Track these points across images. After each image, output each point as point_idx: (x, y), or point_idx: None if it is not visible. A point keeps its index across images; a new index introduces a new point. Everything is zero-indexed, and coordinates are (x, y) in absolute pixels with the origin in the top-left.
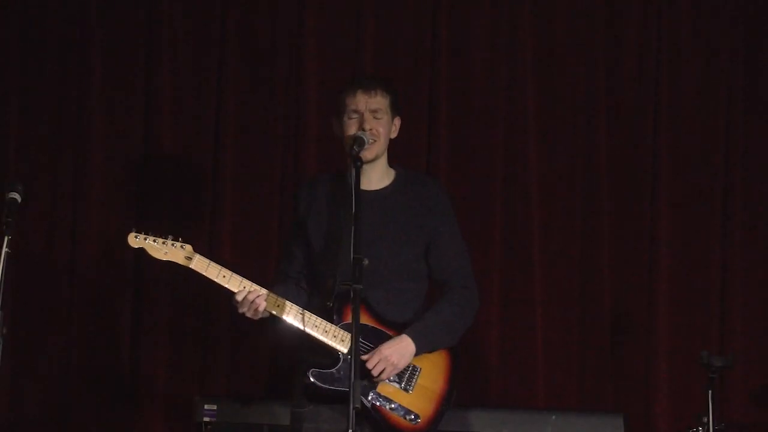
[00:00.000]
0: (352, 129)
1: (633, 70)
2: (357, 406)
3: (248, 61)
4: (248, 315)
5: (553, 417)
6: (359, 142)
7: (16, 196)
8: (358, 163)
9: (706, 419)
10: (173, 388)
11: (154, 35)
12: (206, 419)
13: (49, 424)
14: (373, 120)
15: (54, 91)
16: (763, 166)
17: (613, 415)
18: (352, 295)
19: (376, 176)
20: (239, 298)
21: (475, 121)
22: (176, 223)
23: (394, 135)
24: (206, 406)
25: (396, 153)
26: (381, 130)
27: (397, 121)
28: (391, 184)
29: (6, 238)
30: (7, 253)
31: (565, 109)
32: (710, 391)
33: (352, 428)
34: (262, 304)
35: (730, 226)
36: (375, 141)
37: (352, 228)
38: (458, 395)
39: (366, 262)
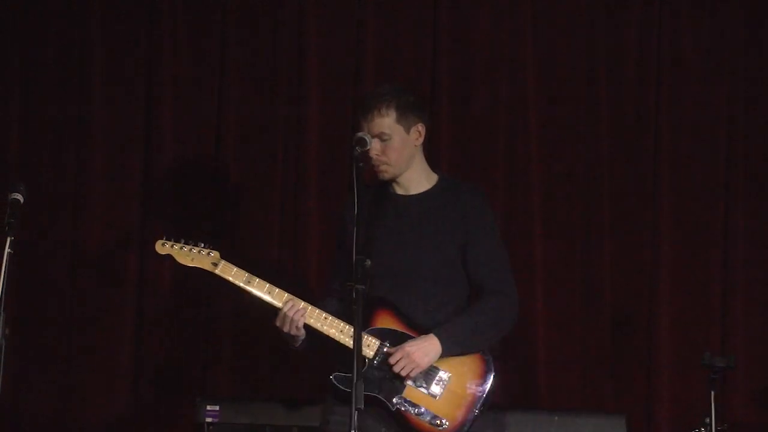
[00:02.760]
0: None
1: (633, 73)
2: (360, 406)
3: (249, 61)
4: (291, 331)
5: (555, 418)
6: (361, 142)
7: (19, 196)
8: (360, 165)
9: (708, 420)
10: (175, 388)
11: (154, 35)
12: (208, 420)
13: (51, 423)
14: (380, 144)
15: (55, 93)
16: (764, 166)
17: (615, 415)
18: (354, 296)
19: (414, 181)
20: (286, 310)
21: (475, 123)
22: (178, 225)
23: (419, 142)
24: (208, 407)
25: None
26: (390, 152)
27: (420, 127)
28: (428, 190)
29: (9, 239)
30: (9, 253)
31: (566, 111)
32: (712, 392)
33: (354, 429)
34: (300, 311)
35: (731, 227)
36: (385, 164)
37: (354, 229)
38: (492, 402)
39: (368, 262)
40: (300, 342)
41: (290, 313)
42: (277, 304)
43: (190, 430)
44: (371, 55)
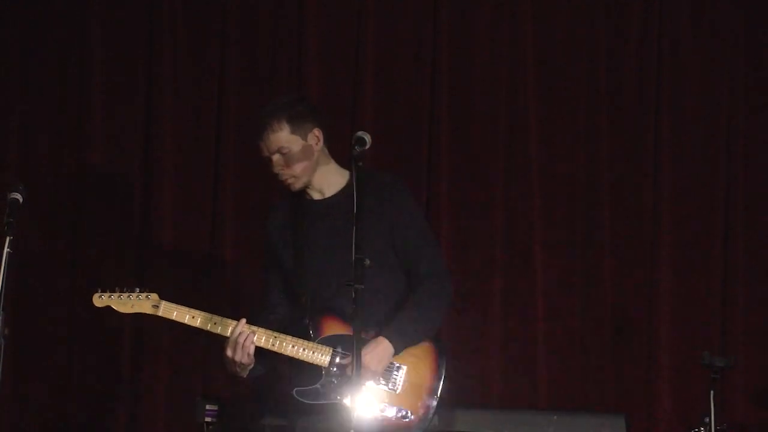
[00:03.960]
0: (272, 172)
1: (633, 74)
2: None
3: (249, 63)
4: (242, 360)
5: (555, 417)
6: (360, 142)
7: (18, 196)
8: (359, 164)
9: (707, 419)
10: (175, 388)
11: (154, 37)
12: (208, 419)
13: (52, 423)
14: (281, 158)
15: (54, 96)
16: (765, 172)
17: (614, 415)
18: (353, 296)
19: (326, 184)
20: (230, 351)
21: (476, 124)
22: (177, 228)
23: (319, 146)
24: (208, 407)
25: (396, 155)
26: (293, 164)
27: (317, 132)
28: (344, 188)
29: (7, 239)
30: (8, 253)
31: (567, 112)
32: (712, 392)
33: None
34: (250, 338)
35: (731, 227)
36: (293, 176)
37: (354, 228)
38: (449, 387)
39: (368, 262)
40: (248, 371)
41: (240, 340)
42: (225, 334)
43: (190, 430)
44: (371, 56)
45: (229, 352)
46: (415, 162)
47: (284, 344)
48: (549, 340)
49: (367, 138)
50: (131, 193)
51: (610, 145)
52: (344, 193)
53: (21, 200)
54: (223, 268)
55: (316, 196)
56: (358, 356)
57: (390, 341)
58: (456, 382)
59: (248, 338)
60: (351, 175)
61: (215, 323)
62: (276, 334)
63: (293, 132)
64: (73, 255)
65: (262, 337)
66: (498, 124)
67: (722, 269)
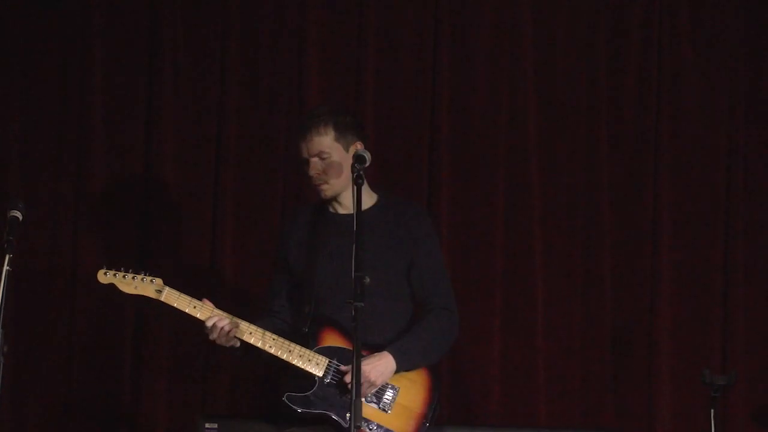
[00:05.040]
0: (307, 174)
1: (633, 87)
2: (358, 424)
3: (249, 77)
4: (219, 342)
5: None
6: (360, 159)
7: (18, 214)
8: (360, 182)
9: None
10: (175, 406)
11: (155, 54)
12: None
13: None
14: (319, 162)
15: (55, 111)
16: (764, 189)
17: None
18: (353, 313)
19: (352, 201)
20: (208, 324)
21: (476, 139)
22: (178, 242)
23: None
24: (207, 425)
25: (396, 169)
26: (330, 171)
27: (359, 146)
28: (370, 208)
29: (7, 257)
30: (8, 271)
31: (567, 126)
32: (712, 410)
33: None
34: (233, 331)
35: (732, 244)
36: (326, 183)
37: (354, 246)
38: (439, 414)
39: (367, 280)
40: (239, 350)
41: (219, 324)
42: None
43: None
44: (371, 65)
45: (211, 336)
46: (415, 175)
47: (280, 348)
48: (549, 357)
49: (367, 156)
50: (132, 213)
51: (611, 164)
52: (370, 212)
53: (21, 218)
54: (224, 273)
55: (340, 210)
56: (358, 375)
57: (393, 357)
58: (453, 399)
59: (227, 324)
60: (379, 198)
61: (220, 318)
62: (274, 336)
63: (337, 140)
64: (74, 274)
65: (260, 338)
66: (498, 141)
67: (722, 286)
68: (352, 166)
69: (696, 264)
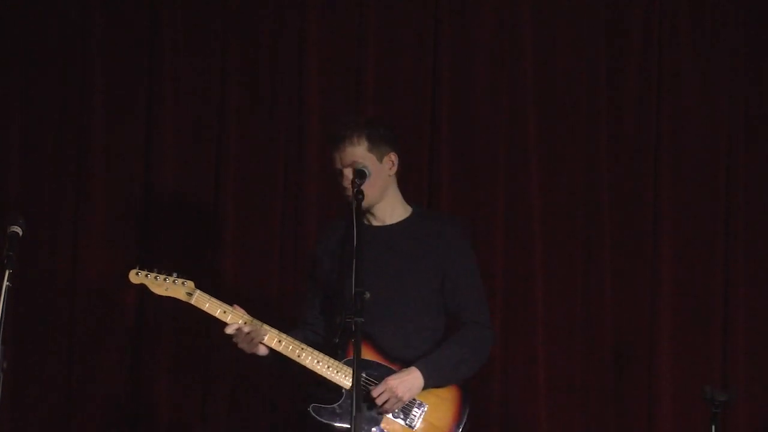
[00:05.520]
0: (341, 185)
1: (633, 87)
2: None
3: (249, 77)
4: (243, 347)
5: None
6: (360, 174)
7: (18, 229)
8: (360, 197)
9: None
10: (174, 422)
11: (155, 54)
12: None
13: None
14: (352, 173)
15: (55, 111)
16: (765, 204)
17: None
18: (353, 329)
19: (388, 212)
20: (228, 330)
21: (476, 151)
22: (177, 258)
23: (392, 171)
24: None
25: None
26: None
27: (393, 157)
28: (405, 220)
29: (7, 272)
30: (8, 287)
31: (567, 126)
32: (713, 426)
33: None
34: (256, 337)
35: (731, 261)
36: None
37: (354, 261)
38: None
39: (367, 295)
40: (267, 358)
41: (243, 329)
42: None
43: None
44: (371, 65)
45: (235, 339)
46: (415, 175)
47: (309, 357)
48: (550, 374)
49: (368, 171)
50: (131, 229)
51: (610, 159)
52: (403, 225)
53: (21, 233)
54: (224, 273)
55: (375, 223)
56: (358, 390)
57: (421, 373)
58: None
59: (254, 330)
60: (414, 211)
61: (245, 323)
62: (303, 346)
63: (370, 150)
64: (73, 287)
65: (289, 346)
66: (498, 141)
67: (723, 303)
68: (352, 181)
69: (696, 280)
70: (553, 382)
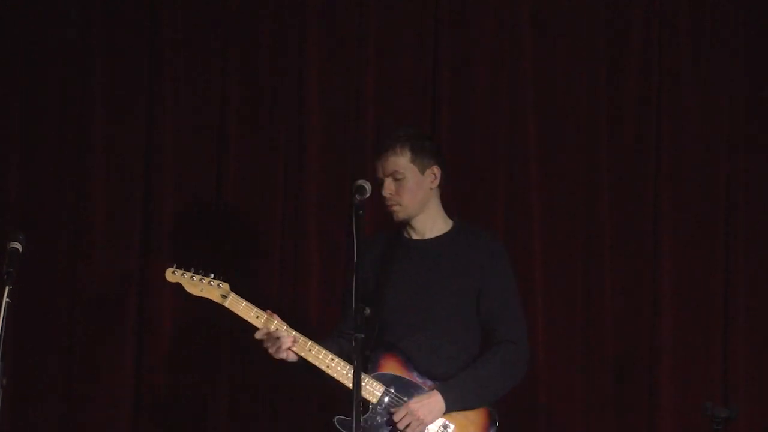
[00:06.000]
0: (382, 195)
1: (633, 87)
2: None
3: (249, 77)
4: (270, 351)
5: None
6: (360, 190)
7: (18, 245)
8: (360, 213)
9: None
10: (175, 422)
11: (155, 55)
12: None
13: None
14: (393, 183)
15: (55, 111)
16: (765, 212)
17: None
18: (353, 344)
19: (428, 225)
20: (257, 335)
21: (476, 143)
22: (178, 242)
23: (434, 185)
24: None
25: None
26: (403, 192)
27: (435, 170)
28: (444, 235)
29: (7, 288)
30: (7, 303)
31: (567, 126)
32: None
33: None
34: (286, 343)
35: (732, 274)
36: (398, 204)
37: (354, 277)
38: None
39: (368, 311)
40: (298, 367)
41: (275, 333)
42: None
43: None
44: (371, 65)
45: (266, 343)
46: None
47: (338, 368)
48: (550, 389)
49: (368, 186)
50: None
51: (610, 159)
52: (442, 239)
53: (21, 249)
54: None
55: (415, 236)
56: (358, 405)
57: (442, 396)
58: None
59: (283, 337)
60: (454, 224)
61: (276, 329)
62: (334, 356)
63: (413, 161)
64: (72, 297)
65: (319, 355)
66: (498, 141)
67: (723, 319)
68: (352, 196)
69: (697, 295)
70: (552, 400)
